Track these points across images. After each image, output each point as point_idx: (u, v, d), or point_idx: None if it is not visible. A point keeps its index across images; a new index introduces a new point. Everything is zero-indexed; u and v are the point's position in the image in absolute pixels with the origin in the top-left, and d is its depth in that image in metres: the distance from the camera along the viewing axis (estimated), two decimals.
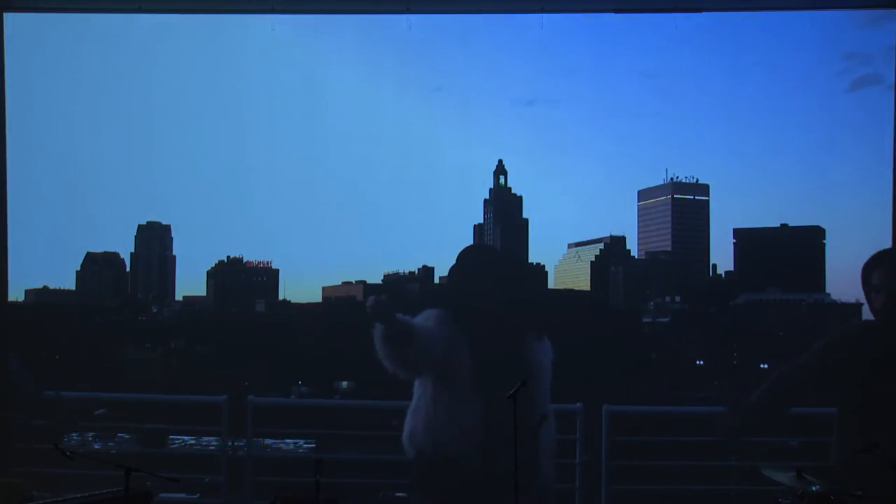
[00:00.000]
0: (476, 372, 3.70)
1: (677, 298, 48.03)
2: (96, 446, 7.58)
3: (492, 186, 60.53)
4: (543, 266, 55.88)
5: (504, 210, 59.19)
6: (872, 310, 3.96)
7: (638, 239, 60.55)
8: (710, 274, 54.30)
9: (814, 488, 3.23)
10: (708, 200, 61.71)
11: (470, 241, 57.40)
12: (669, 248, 58.13)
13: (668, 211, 61.09)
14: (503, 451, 3.53)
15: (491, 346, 3.72)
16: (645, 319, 45.34)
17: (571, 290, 54.71)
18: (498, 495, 3.49)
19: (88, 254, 54.66)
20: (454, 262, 3.93)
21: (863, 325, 4.14)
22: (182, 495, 5.20)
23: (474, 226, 60.06)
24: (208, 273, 53.45)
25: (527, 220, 59.33)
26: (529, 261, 55.47)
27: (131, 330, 41.77)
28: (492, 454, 3.62)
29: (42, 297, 49.00)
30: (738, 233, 54.85)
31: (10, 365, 4.46)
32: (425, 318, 3.83)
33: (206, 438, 6.17)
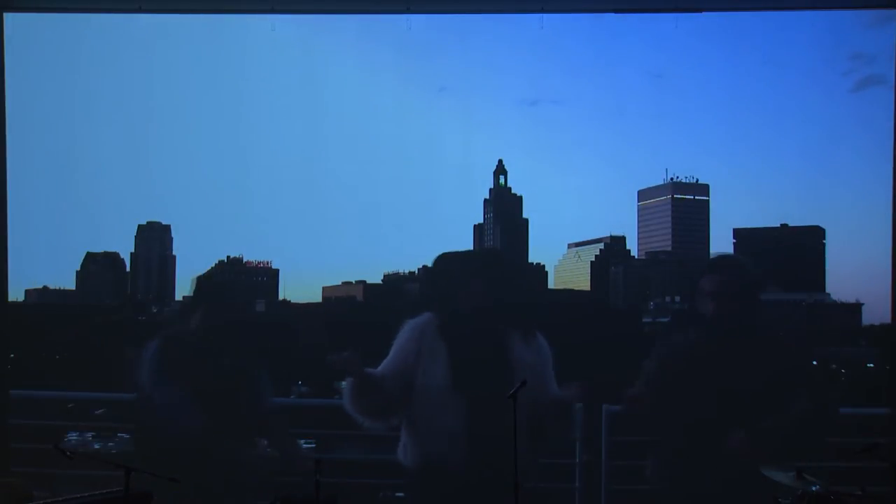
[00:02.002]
0: (454, 378, 3.68)
1: (677, 298, 47.95)
2: (96, 446, 7.56)
3: (492, 186, 60.49)
4: (543, 266, 55.83)
5: (504, 210, 59.07)
6: (702, 316, 3.96)
7: (638, 239, 60.40)
8: None
9: (814, 488, 3.23)
10: (708, 200, 61.55)
11: (470, 241, 57.37)
12: (669, 248, 58.04)
13: (668, 211, 60.87)
14: (488, 456, 3.54)
15: (470, 351, 3.70)
16: (645, 319, 45.25)
17: (571, 290, 54.63)
18: (486, 499, 3.50)
19: (88, 254, 54.54)
20: (433, 265, 3.92)
21: (684, 345, 4.10)
22: None
23: (474, 226, 59.87)
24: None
25: (527, 220, 59.26)
26: (529, 261, 55.45)
27: (131, 330, 41.70)
28: (476, 459, 3.62)
29: (42, 297, 48.92)
30: (738, 233, 54.72)
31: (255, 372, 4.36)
32: (398, 341, 3.83)
33: None
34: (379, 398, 3.72)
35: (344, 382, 3.83)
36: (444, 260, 3.93)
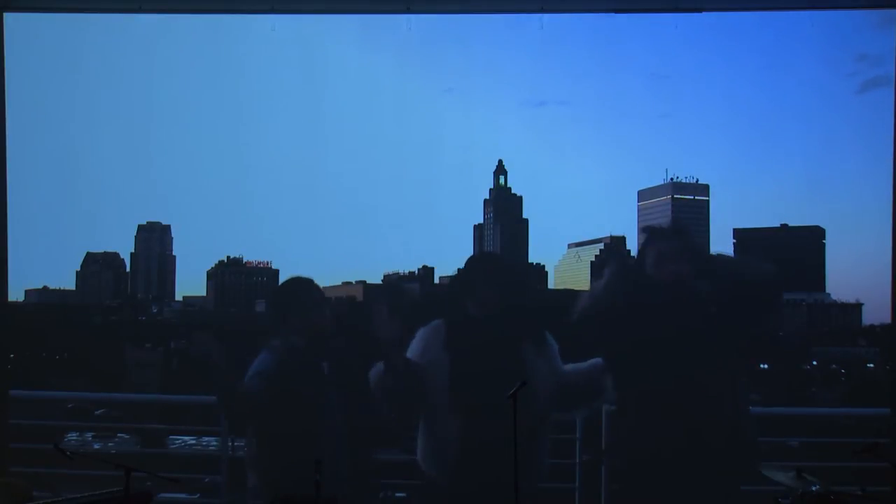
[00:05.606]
0: (454, 387, 3.67)
1: None
2: (96, 446, 7.58)
3: (492, 186, 60.58)
4: (543, 266, 55.90)
5: (504, 210, 59.19)
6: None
7: (638, 239, 60.56)
8: None
9: (814, 488, 3.23)
10: (708, 200, 61.65)
11: (470, 241, 57.49)
12: None
13: (668, 211, 60.95)
14: (482, 468, 3.54)
15: (476, 360, 3.69)
16: None
17: (571, 291, 54.71)
18: None
19: (88, 254, 54.72)
20: (462, 268, 3.91)
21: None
22: (182, 495, 5.19)
23: (474, 226, 60.08)
24: (208, 273, 53.43)
25: (527, 220, 59.37)
26: (529, 261, 55.51)
27: (131, 330, 41.75)
28: (470, 471, 3.62)
29: (42, 297, 49.02)
30: (738, 233, 54.85)
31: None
32: (417, 342, 3.81)
33: (206, 438, 6.17)
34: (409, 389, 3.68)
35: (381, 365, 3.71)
36: (471, 264, 3.93)
